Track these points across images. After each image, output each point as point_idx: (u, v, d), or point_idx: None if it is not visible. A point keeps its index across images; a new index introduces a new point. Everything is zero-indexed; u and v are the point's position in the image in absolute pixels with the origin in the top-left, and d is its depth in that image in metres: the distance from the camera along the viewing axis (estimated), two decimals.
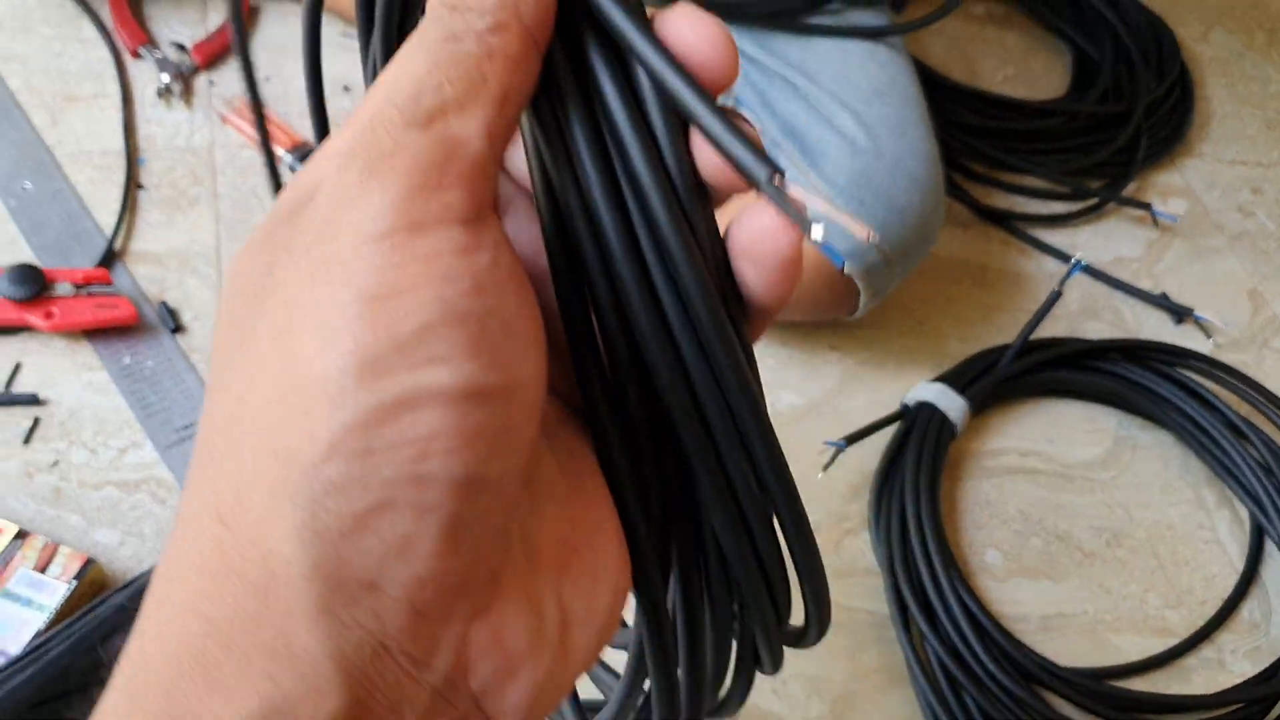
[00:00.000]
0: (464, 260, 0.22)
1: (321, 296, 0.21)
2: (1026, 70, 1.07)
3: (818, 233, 0.25)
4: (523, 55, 0.24)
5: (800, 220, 0.25)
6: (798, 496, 0.27)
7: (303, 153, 0.87)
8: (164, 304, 0.80)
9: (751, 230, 0.27)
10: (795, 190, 0.25)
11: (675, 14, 0.25)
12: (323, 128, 0.45)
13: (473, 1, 0.24)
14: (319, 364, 0.21)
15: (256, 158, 0.88)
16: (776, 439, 0.27)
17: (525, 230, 0.29)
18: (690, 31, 0.25)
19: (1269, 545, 0.79)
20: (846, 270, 0.76)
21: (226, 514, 0.22)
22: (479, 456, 0.21)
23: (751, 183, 0.25)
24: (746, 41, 0.81)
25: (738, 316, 0.27)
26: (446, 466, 0.21)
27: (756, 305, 0.28)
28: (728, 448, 0.26)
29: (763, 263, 0.27)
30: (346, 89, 0.91)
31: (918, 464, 0.76)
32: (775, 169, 0.25)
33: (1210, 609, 0.76)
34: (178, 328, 0.79)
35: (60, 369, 0.75)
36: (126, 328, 0.78)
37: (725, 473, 0.26)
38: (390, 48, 0.37)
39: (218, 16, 0.95)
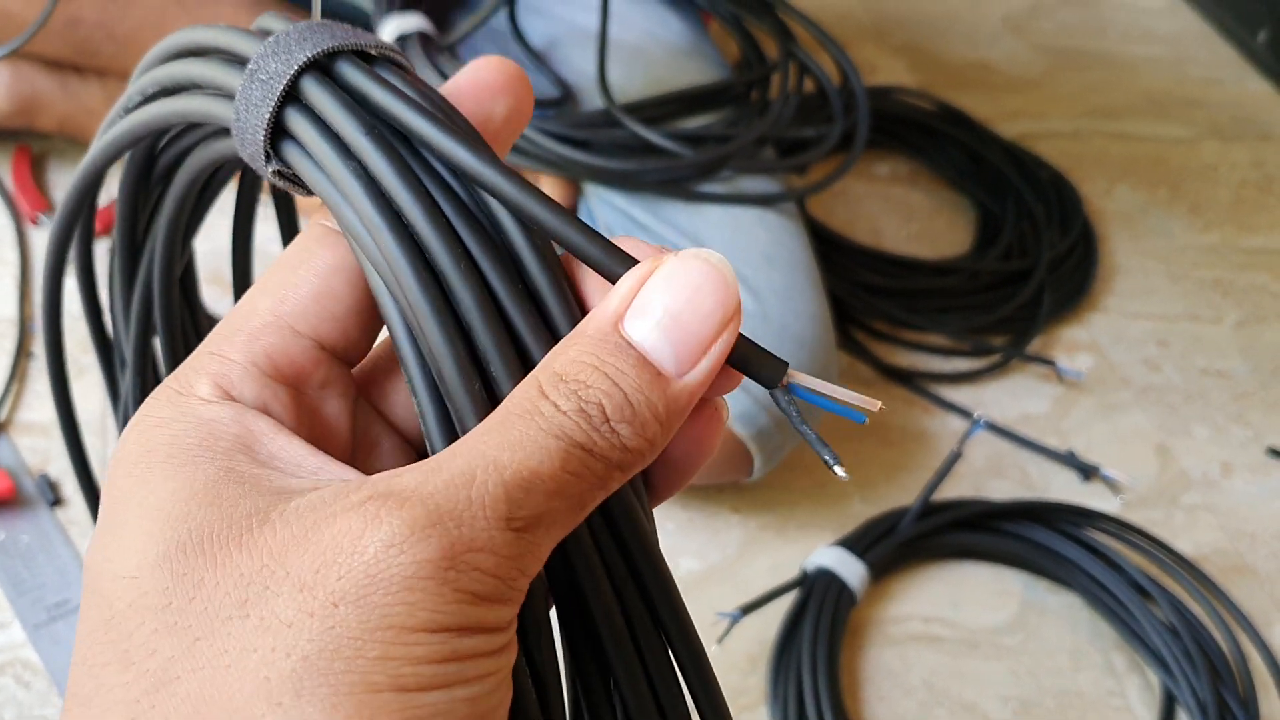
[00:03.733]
0: (493, 661, 0.21)
1: (340, 669, 0.20)
2: (931, 228, 1.08)
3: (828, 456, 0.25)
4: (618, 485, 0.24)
5: (803, 426, 0.25)
6: None
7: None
8: (44, 476, 0.78)
9: (692, 445, 0.26)
10: (805, 379, 0.24)
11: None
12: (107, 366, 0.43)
13: (628, 435, 0.23)
14: None
15: None
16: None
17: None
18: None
19: (1180, 713, 0.77)
20: (739, 434, 0.75)
21: None
22: None
23: (764, 386, 0.25)
24: (638, 209, 0.82)
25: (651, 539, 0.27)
26: None
27: (657, 498, 0.28)
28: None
29: (690, 468, 0.27)
30: None
31: (815, 634, 0.74)
32: (784, 367, 0.24)
33: None
34: (57, 500, 0.77)
35: None
36: (3, 502, 0.76)
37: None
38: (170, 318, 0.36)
39: None
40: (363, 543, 0.21)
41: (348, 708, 0.20)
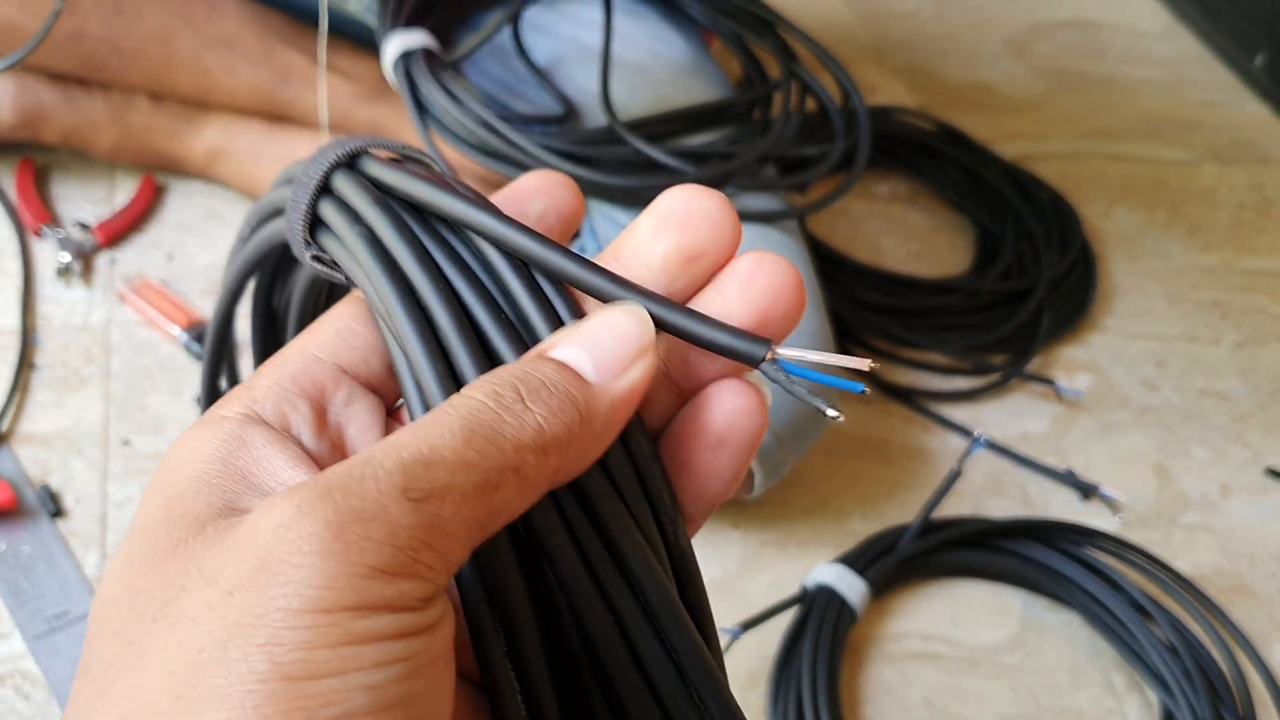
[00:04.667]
0: (402, 645, 0.20)
1: (233, 659, 0.19)
2: (931, 247, 1.09)
3: (818, 401, 0.26)
4: (541, 489, 0.23)
5: (802, 392, 0.26)
6: None
7: (198, 331, 0.86)
8: (45, 487, 0.78)
9: (725, 417, 0.26)
10: (789, 352, 0.25)
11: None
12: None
13: (544, 414, 0.23)
14: None
15: (152, 336, 0.87)
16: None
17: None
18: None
19: None
20: None
21: None
22: None
23: (750, 365, 0.26)
24: None
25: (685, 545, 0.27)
26: None
27: (714, 492, 0.27)
28: None
29: (734, 448, 0.27)
30: None
31: (815, 651, 0.74)
32: (767, 344, 0.25)
33: None
34: (58, 511, 0.77)
35: None
36: (4, 512, 0.76)
37: None
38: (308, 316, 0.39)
39: (124, 195, 0.96)
40: (257, 527, 0.21)
41: (233, 699, 0.19)
